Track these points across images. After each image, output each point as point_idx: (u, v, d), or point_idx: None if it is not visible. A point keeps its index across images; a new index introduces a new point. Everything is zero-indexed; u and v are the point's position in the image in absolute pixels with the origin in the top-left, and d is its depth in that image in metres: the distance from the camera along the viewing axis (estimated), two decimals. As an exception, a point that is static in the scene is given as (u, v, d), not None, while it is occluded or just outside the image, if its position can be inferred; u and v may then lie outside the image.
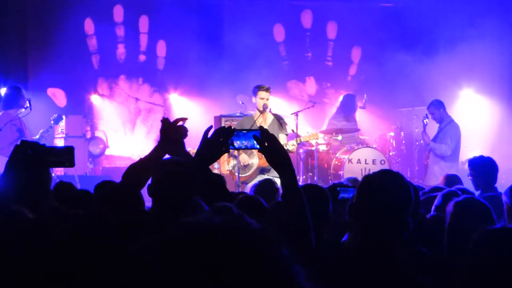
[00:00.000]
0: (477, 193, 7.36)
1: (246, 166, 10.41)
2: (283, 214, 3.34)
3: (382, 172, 3.25)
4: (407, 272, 3.04)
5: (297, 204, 3.26)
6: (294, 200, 3.27)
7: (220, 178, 5.61)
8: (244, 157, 10.31)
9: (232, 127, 3.63)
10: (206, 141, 3.51)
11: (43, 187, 3.81)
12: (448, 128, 12.07)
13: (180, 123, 3.74)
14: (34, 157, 3.19)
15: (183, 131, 3.75)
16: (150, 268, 1.26)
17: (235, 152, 10.14)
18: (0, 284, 2.70)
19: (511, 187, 5.43)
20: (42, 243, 2.90)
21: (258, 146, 3.35)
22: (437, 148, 11.98)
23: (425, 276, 3.14)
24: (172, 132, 3.75)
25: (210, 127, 3.61)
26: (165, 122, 3.75)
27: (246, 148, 3.51)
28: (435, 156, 12.02)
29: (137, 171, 3.73)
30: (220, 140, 3.46)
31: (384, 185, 3.13)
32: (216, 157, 3.58)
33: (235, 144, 3.50)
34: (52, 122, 11.59)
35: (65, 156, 3.29)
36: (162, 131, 3.74)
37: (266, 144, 3.34)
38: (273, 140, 3.36)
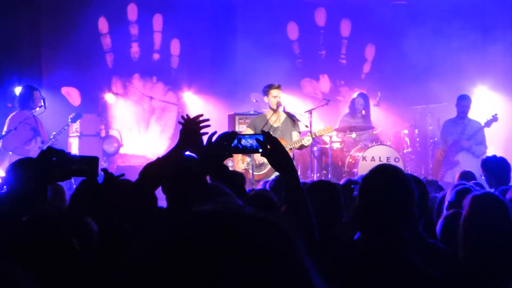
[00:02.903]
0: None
1: (262, 165, 10.43)
2: (287, 213, 3.37)
3: (378, 169, 3.27)
4: (420, 267, 3.04)
5: (299, 204, 3.31)
6: (297, 201, 3.32)
7: (239, 176, 5.63)
8: (257, 156, 10.32)
9: (244, 132, 3.69)
10: (210, 146, 3.53)
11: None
12: (477, 127, 12.06)
13: (201, 120, 3.77)
14: (59, 164, 3.20)
15: (198, 131, 3.77)
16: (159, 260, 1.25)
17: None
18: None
19: None
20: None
21: (261, 150, 3.40)
22: (477, 150, 11.95)
23: (438, 269, 3.14)
24: (192, 131, 3.77)
25: (215, 132, 3.65)
26: (184, 120, 3.77)
27: (250, 151, 3.54)
28: (473, 155, 11.96)
29: (154, 170, 3.74)
30: (224, 144, 3.49)
31: (382, 180, 3.16)
32: (219, 161, 3.61)
33: (238, 147, 3.53)
34: (69, 120, 11.62)
35: (89, 166, 3.30)
36: (183, 131, 3.76)
37: (268, 147, 3.38)
38: (276, 143, 3.41)
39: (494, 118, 12.17)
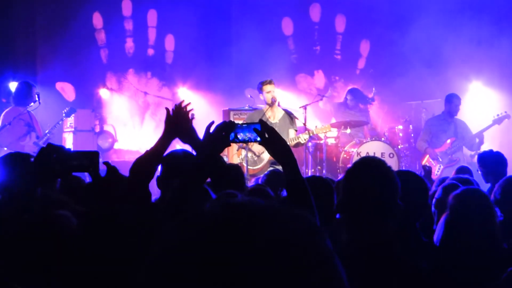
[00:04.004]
0: (487, 186, 7.35)
1: (259, 157, 10.42)
2: (289, 203, 3.35)
3: (359, 162, 3.27)
4: (406, 259, 3.03)
5: (300, 193, 3.28)
6: (298, 190, 3.29)
7: (237, 170, 5.62)
8: (257, 147, 10.32)
9: (241, 121, 3.67)
10: (208, 136, 3.53)
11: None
12: (464, 126, 12.03)
13: (187, 107, 3.77)
14: (59, 161, 3.20)
15: (189, 117, 3.78)
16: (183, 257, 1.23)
17: (250, 145, 10.16)
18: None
19: (501, 182, 5.42)
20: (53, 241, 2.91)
21: (259, 139, 3.40)
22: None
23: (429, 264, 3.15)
24: (176, 120, 3.78)
25: (212, 122, 3.64)
26: (168, 111, 3.78)
27: (249, 141, 3.54)
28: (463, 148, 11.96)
29: (144, 164, 3.74)
30: (222, 134, 3.49)
31: (361, 173, 3.15)
32: (218, 151, 3.60)
33: (237, 137, 3.53)
34: (64, 115, 11.61)
35: (89, 161, 3.30)
36: (167, 120, 3.78)
37: (266, 136, 3.38)
38: (273, 132, 3.40)
39: (506, 116, 12.12)
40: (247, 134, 3.52)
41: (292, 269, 1.19)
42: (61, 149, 3.27)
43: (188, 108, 3.82)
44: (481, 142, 11.81)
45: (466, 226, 3.84)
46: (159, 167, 4.41)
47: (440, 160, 11.97)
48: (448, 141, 11.98)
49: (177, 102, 4.00)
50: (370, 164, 3.22)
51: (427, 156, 12.18)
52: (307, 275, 1.20)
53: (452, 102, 12.05)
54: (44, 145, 3.29)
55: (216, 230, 1.21)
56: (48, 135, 10.89)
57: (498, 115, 12.09)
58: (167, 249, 1.24)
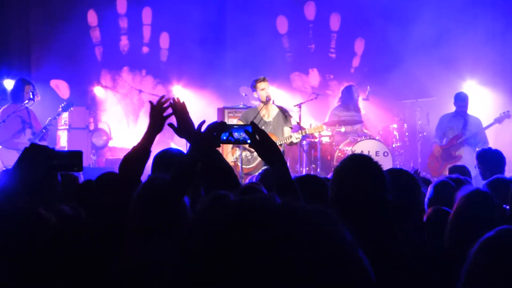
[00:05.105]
0: (483, 182, 7.35)
1: (253, 156, 10.40)
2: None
3: (347, 159, 3.27)
4: (399, 258, 3.04)
5: (290, 195, 3.28)
6: (287, 192, 3.30)
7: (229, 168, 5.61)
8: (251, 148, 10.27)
9: (233, 122, 3.67)
10: (198, 135, 3.53)
11: (51, 190, 3.82)
12: (477, 123, 12.04)
13: (169, 103, 3.77)
14: (42, 160, 3.20)
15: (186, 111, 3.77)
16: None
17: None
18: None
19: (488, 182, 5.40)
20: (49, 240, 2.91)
21: (249, 141, 3.40)
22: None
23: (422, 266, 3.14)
24: (159, 114, 3.80)
25: (203, 122, 3.63)
26: (152, 105, 3.79)
27: (241, 142, 3.54)
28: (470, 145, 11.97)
29: (132, 161, 3.75)
30: (213, 134, 3.48)
31: (349, 170, 3.15)
32: (208, 151, 3.60)
33: (228, 138, 3.53)
34: (60, 109, 11.57)
35: (73, 160, 3.31)
36: (150, 113, 3.79)
37: (257, 138, 3.38)
38: (263, 134, 3.41)
39: (507, 115, 12.17)
40: (239, 134, 3.52)
41: (322, 262, 1.19)
42: (45, 148, 3.27)
43: (164, 101, 3.83)
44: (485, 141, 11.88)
45: (471, 230, 3.74)
46: (151, 165, 4.42)
47: (443, 156, 12.01)
48: (453, 137, 12.01)
49: (172, 99, 3.99)
50: (357, 160, 3.24)
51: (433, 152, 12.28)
52: (338, 267, 1.20)
53: (457, 103, 12.19)
54: (39, 142, 3.30)
55: (234, 227, 1.22)
56: (44, 131, 10.87)
57: (500, 114, 12.14)
58: (182, 247, 1.24)
